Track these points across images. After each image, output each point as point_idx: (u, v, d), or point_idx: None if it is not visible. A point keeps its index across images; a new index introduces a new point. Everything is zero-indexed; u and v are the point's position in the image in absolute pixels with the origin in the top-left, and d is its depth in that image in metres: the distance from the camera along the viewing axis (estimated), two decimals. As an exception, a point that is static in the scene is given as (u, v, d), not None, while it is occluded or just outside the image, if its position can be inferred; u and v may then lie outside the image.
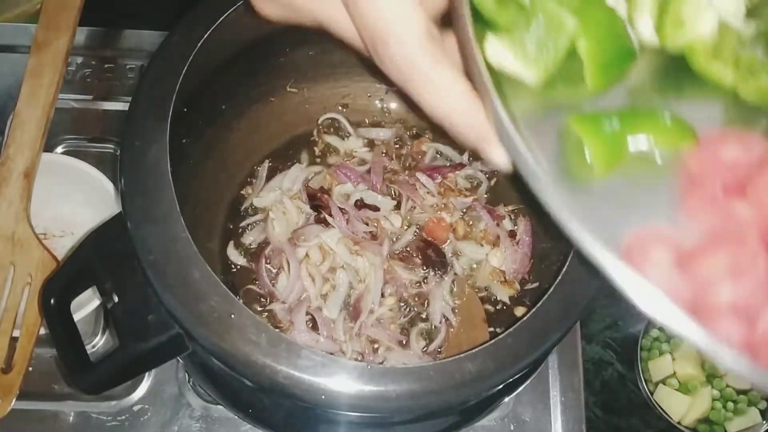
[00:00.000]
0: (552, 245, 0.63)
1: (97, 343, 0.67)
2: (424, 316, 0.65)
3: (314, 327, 0.62)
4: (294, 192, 0.67)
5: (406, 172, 0.69)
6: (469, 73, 0.32)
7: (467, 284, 0.65)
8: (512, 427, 0.66)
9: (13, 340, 0.59)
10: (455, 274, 0.66)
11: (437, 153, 0.72)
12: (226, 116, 0.65)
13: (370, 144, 0.71)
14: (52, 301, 0.51)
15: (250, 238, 0.66)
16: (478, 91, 0.32)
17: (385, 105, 0.72)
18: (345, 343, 0.61)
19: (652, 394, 0.75)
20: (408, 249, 0.67)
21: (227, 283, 0.56)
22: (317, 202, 0.66)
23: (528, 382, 0.62)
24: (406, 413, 0.50)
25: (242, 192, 0.68)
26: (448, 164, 0.71)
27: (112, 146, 0.74)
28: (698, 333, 0.30)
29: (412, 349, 0.62)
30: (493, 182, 0.70)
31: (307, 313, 0.62)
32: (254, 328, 0.45)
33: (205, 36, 0.53)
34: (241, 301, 0.46)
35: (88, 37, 0.79)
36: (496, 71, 0.33)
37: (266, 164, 0.69)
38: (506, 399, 0.65)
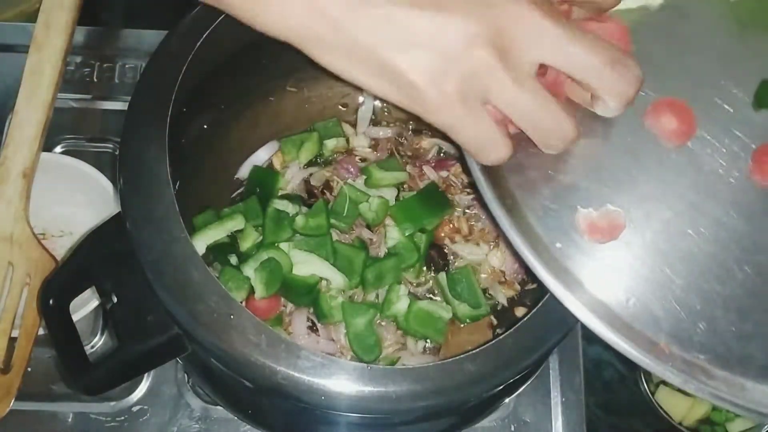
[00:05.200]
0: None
1: (96, 343, 0.67)
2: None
3: (313, 327, 0.62)
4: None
5: (408, 167, 0.69)
6: None
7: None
8: (513, 428, 0.66)
9: (12, 340, 0.59)
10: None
11: (440, 149, 0.71)
12: (225, 116, 0.64)
13: (373, 143, 0.71)
14: (50, 301, 0.51)
15: (250, 239, 0.66)
16: None
17: (385, 104, 0.72)
18: (345, 344, 0.61)
19: (653, 394, 0.74)
20: (408, 248, 0.66)
21: (227, 284, 0.56)
22: (315, 200, 0.66)
23: (529, 382, 0.62)
24: (407, 414, 0.50)
25: (241, 192, 0.68)
26: (451, 159, 0.70)
27: (111, 146, 0.74)
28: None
29: (412, 350, 0.62)
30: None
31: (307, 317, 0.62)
32: (253, 329, 0.45)
33: (205, 35, 0.53)
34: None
35: (88, 37, 0.79)
36: None
37: (265, 164, 0.69)
38: (507, 400, 0.65)
